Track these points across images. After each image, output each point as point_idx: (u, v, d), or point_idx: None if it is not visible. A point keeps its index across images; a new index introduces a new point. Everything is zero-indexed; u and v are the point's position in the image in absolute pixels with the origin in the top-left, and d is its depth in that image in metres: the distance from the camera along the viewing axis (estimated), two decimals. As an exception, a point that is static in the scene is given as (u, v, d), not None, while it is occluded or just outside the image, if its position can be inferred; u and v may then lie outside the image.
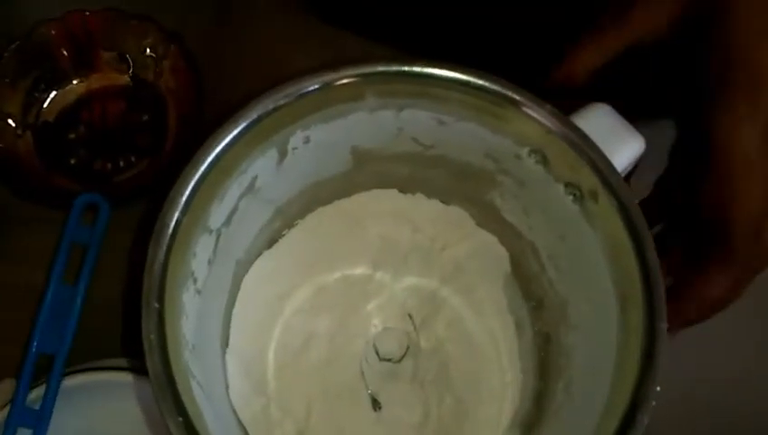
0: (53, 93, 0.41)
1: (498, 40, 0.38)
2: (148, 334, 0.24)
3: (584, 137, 0.27)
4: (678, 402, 0.29)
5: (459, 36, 0.39)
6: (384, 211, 0.34)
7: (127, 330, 0.35)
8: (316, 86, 0.28)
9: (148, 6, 0.41)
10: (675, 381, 0.25)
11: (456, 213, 0.34)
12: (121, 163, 0.40)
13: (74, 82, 0.41)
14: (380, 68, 0.28)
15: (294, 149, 0.29)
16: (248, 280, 0.32)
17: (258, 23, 0.44)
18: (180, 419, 0.23)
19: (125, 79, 0.41)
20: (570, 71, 0.28)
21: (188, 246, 0.27)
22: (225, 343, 0.31)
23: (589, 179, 0.27)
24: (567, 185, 0.28)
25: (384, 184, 0.34)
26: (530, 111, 0.28)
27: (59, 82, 0.41)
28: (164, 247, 0.25)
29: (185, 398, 0.24)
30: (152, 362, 0.24)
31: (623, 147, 0.29)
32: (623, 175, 0.28)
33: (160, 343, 0.24)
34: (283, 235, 0.34)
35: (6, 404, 0.32)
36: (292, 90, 0.28)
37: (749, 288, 0.26)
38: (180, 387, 0.24)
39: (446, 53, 0.29)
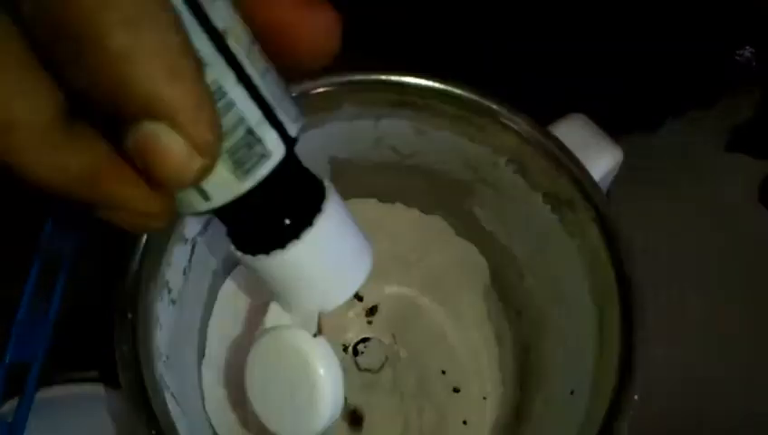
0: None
1: (480, 51, 0.38)
2: (120, 346, 0.24)
3: (562, 147, 0.27)
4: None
5: (442, 47, 0.39)
6: (363, 221, 0.34)
7: (100, 340, 0.35)
8: (293, 95, 0.27)
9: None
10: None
11: (436, 222, 0.34)
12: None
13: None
14: (357, 77, 0.28)
15: (272, 157, 0.29)
16: (225, 290, 0.32)
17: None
18: (153, 432, 0.23)
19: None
20: None
21: (163, 256, 0.26)
22: (202, 354, 0.31)
23: (566, 189, 0.27)
24: (545, 195, 0.28)
25: (363, 193, 0.34)
26: (507, 121, 0.28)
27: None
28: (137, 257, 0.25)
29: (158, 411, 0.23)
30: (124, 374, 0.24)
31: (600, 157, 0.29)
32: (601, 185, 0.28)
33: (133, 354, 0.24)
34: (261, 244, 0.34)
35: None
36: (267, 98, 0.27)
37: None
38: (153, 399, 0.24)
39: (430, 64, 0.29)
